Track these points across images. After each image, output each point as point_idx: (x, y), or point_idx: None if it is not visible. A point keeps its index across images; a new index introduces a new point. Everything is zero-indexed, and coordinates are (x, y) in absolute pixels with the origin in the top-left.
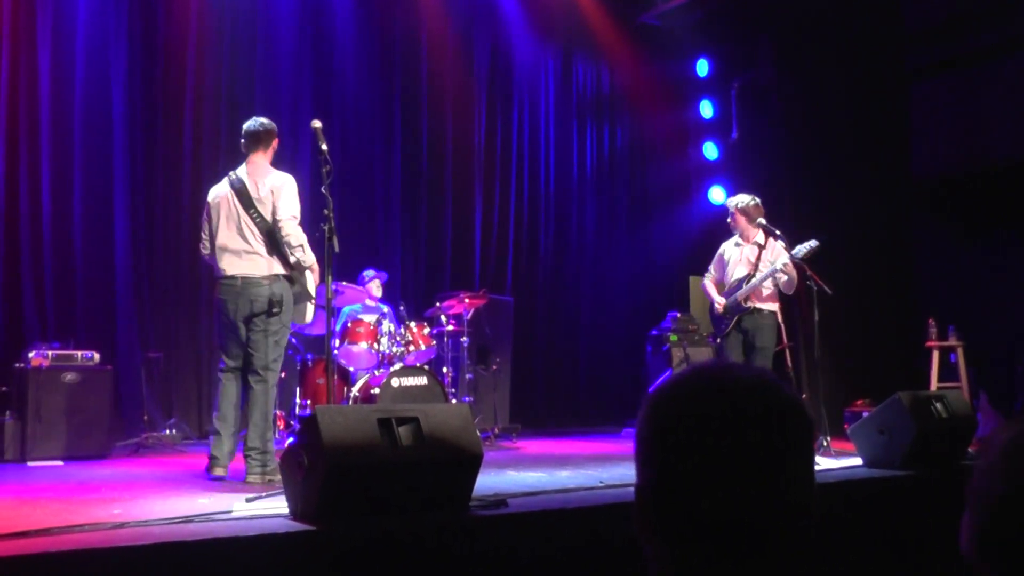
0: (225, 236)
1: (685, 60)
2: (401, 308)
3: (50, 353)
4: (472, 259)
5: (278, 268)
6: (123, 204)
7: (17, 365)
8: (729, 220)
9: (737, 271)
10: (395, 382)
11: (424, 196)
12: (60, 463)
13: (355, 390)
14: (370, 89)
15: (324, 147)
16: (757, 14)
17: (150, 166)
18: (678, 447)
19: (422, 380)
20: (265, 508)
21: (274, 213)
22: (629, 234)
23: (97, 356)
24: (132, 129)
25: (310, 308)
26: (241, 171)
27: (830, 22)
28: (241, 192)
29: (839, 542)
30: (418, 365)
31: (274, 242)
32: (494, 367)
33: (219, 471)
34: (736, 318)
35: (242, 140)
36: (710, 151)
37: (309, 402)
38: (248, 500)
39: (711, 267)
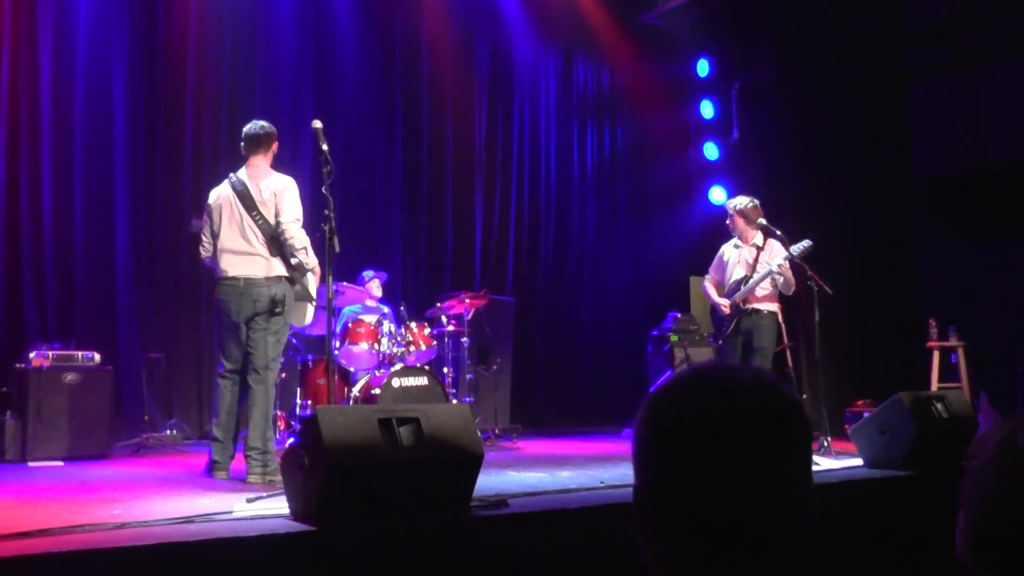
0: (227, 238)
1: (686, 60)
2: (402, 308)
3: (51, 353)
4: (473, 259)
5: (279, 270)
6: (124, 204)
7: (18, 365)
8: (728, 222)
9: (736, 273)
10: (396, 382)
11: (425, 196)
12: (61, 463)
13: (356, 390)
14: (371, 89)
15: (325, 147)
16: (758, 14)
17: (151, 166)
18: (678, 447)
19: (423, 380)
20: (266, 508)
21: (277, 216)
22: (630, 234)
23: (98, 356)
24: (133, 129)
25: (310, 309)
26: (242, 174)
27: (830, 22)
28: (243, 195)
29: (840, 542)
30: (419, 365)
31: (276, 244)
32: (495, 367)
33: (220, 475)
34: (736, 319)
35: (242, 143)
36: (711, 151)
37: (310, 402)
38: (249, 500)
39: (711, 269)
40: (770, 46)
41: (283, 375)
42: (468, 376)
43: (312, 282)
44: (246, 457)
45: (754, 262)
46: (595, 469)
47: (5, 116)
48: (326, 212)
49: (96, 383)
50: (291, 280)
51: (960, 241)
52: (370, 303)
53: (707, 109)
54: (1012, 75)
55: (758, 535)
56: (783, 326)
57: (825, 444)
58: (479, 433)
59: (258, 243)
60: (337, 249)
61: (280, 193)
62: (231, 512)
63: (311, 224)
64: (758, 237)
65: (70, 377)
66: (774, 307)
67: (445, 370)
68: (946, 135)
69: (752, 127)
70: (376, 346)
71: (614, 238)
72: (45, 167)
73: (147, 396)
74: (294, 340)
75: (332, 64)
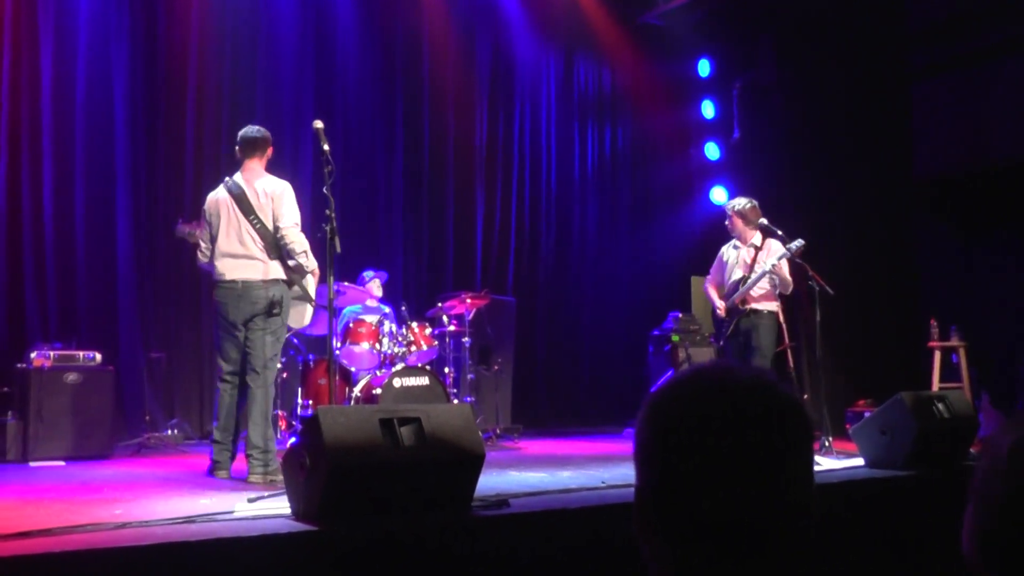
0: (226, 242)
1: (687, 60)
2: (403, 308)
3: (52, 353)
4: (474, 259)
5: (277, 273)
6: (125, 204)
7: (19, 365)
8: (727, 223)
9: (734, 274)
10: (397, 382)
11: (426, 196)
12: (62, 463)
13: (357, 390)
14: (372, 89)
15: (326, 147)
16: (758, 14)
17: (152, 166)
18: (678, 447)
19: (424, 380)
20: (267, 508)
21: (276, 221)
22: (630, 234)
23: (99, 356)
24: (134, 129)
25: (309, 310)
26: (238, 178)
27: (831, 22)
28: (240, 198)
29: (841, 542)
30: (420, 365)
31: (274, 247)
32: (496, 367)
33: (222, 474)
34: (735, 320)
35: (237, 147)
36: (711, 151)
37: (311, 402)
38: (250, 500)
39: (711, 270)
40: (771, 46)
41: (284, 375)
42: (469, 376)
43: (311, 283)
44: (247, 457)
45: (752, 262)
46: (596, 469)
47: (6, 116)
48: (327, 212)
49: (97, 383)
50: (288, 282)
51: (961, 241)
52: (371, 303)
53: (708, 109)
54: (1013, 75)
55: (758, 535)
56: (784, 326)
57: (826, 444)
58: (480, 433)
59: (255, 247)
60: (338, 249)
61: (278, 198)
62: (232, 512)
63: (312, 224)
64: (756, 237)
65: (71, 377)
66: (773, 307)
67: (446, 370)
68: (947, 135)
69: (753, 127)
70: (377, 346)
71: (615, 238)
72: (46, 167)
73: (148, 396)
74: (295, 340)
75: (333, 64)
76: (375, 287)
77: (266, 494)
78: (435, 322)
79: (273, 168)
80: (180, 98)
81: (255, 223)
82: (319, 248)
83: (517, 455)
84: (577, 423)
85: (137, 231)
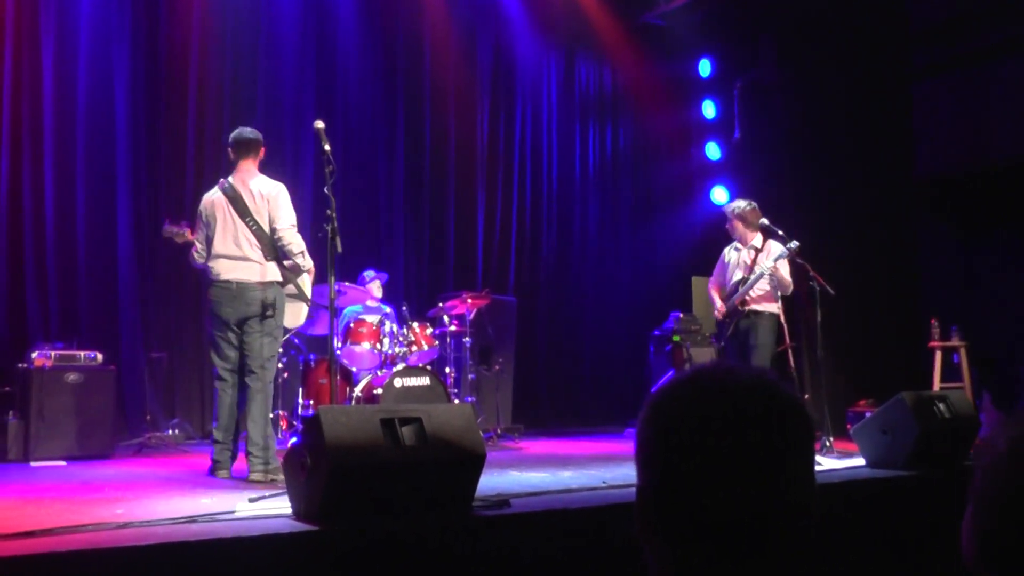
0: (222, 244)
1: (688, 60)
2: (404, 308)
3: (53, 353)
4: (475, 259)
5: (273, 275)
6: (126, 204)
7: (20, 365)
8: (727, 226)
9: (735, 275)
10: (398, 382)
11: (427, 196)
12: (63, 463)
13: (358, 390)
14: (373, 89)
15: (327, 147)
16: (759, 14)
17: (153, 166)
18: (680, 448)
19: (425, 380)
20: (268, 508)
21: (273, 223)
22: (632, 234)
23: (100, 356)
24: (135, 129)
25: (304, 309)
26: (233, 179)
27: (832, 22)
28: (236, 200)
29: (842, 542)
30: (421, 365)
31: (270, 249)
32: (497, 367)
33: (223, 474)
34: (734, 321)
35: (230, 148)
36: (712, 151)
37: (312, 402)
38: (251, 500)
39: (714, 272)
40: (772, 46)
41: (285, 375)
42: (470, 376)
43: (307, 282)
44: (248, 456)
45: (752, 264)
46: (597, 469)
47: (8, 117)
48: (328, 212)
49: (98, 383)
50: (284, 282)
51: (961, 241)
52: (371, 303)
53: (709, 109)
54: (1013, 75)
55: (759, 535)
56: (785, 327)
57: (827, 444)
58: (481, 433)
59: (251, 248)
60: (339, 249)
61: (274, 199)
62: (233, 512)
63: (313, 224)
64: (757, 239)
65: (73, 377)
66: (773, 307)
67: (447, 370)
68: (947, 135)
69: (754, 127)
70: (378, 346)
71: (616, 238)
72: (47, 167)
73: (149, 396)
74: (296, 340)
75: (334, 64)
76: (375, 288)
77: (267, 494)
78: (436, 322)
79: (274, 168)
80: (181, 98)
81: (251, 225)
82: (320, 248)
83: (518, 455)
84: (578, 423)
85: (138, 231)
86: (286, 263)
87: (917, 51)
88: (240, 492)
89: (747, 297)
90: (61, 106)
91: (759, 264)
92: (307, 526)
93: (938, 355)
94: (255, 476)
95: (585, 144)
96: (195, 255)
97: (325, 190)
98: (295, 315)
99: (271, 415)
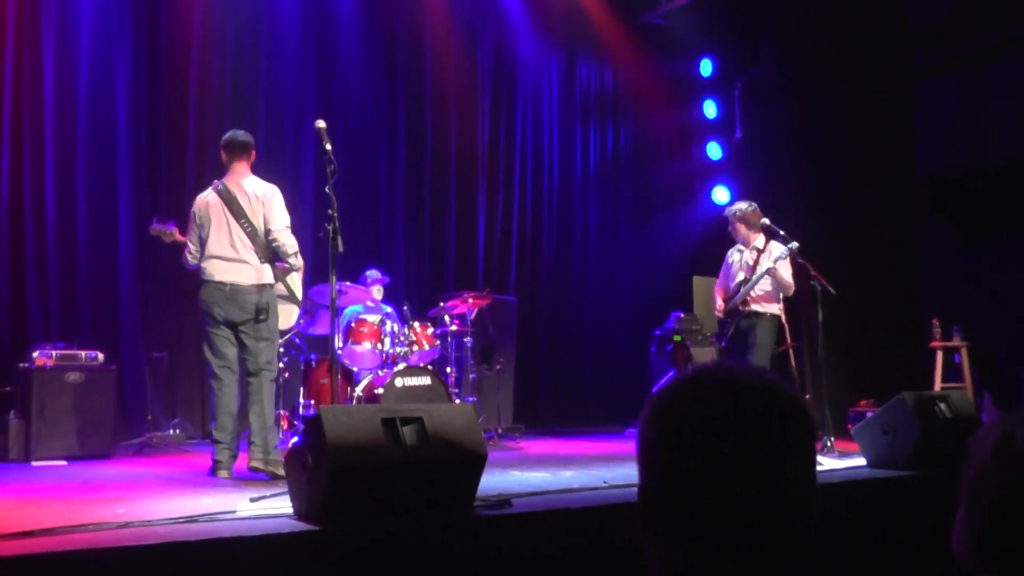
0: (217, 245)
1: (689, 60)
2: (405, 308)
3: (54, 353)
4: (476, 259)
5: (267, 277)
6: (127, 203)
7: (21, 365)
8: (730, 229)
9: (738, 277)
10: (399, 382)
11: (428, 196)
12: (64, 463)
13: (359, 390)
14: (374, 89)
15: (328, 147)
16: (760, 14)
17: (154, 166)
18: (681, 448)
19: (426, 380)
20: (269, 508)
21: (267, 224)
22: (633, 234)
23: (101, 356)
24: (136, 129)
25: (296, 311)
26: (227, 181)
27: (833, 22)
28: (231, 202)
29: (843, 542)
30: (422, 365)
31: (264, 250)
32: (498, 367)
33: (223, 474)
34: (735, 322)
35: (223, 150)
36: (714, 151)
37: (313, 402)
38: (252, 500)
39: (720, 275)
40: (773, 46)
41: (287, 375)
42: (471, 376)
43: (297, 281)
44: (249, 444)
45: (754, 265)
46: (598, 469)
47: (9, 117)
48: (329, 212)
49: (99, 383)
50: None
51: (962, 241)
52: (371, 303)
53: (710, 109)
54: (1013, 75)
55: (759, 535)
56: (786, 327)
57: (828, 444)
58: (482, 433)
59: (245, 250)
60: (341, 249)
61: (268, 201)
62: (234, 512)
63: (314, 224)
64: (759, 240)
65: (73, 376)
66: (774, 309)
67: (448, 370)
68: (948, 135)
69: (755, 127)
70: (379, 346)
71: (617, 238)
72: (48, 167)
73: (150, 396)
74: (297, 340)
75: (335, 64)
76: (376, 291)
77: (268, 493)
78: (437, 322)
79: (274, 168)
80: (182, 98)
81: (246, 227)
82: (322, 247)
83: (519, 455)
84: (579, 423)
85: (139, 231)
86: (279, 264)
87: (917, 51)
88: (241, 492)
89: (748, 297)
90: (62, 106)
91: (761, 265)
92: (308, 526)
93: (939, 355)
94: (255, 464)
95: (586, 144)
96: (188, 256)
97: (326, 190)
98: (287, 317)
99: (273, 414)
